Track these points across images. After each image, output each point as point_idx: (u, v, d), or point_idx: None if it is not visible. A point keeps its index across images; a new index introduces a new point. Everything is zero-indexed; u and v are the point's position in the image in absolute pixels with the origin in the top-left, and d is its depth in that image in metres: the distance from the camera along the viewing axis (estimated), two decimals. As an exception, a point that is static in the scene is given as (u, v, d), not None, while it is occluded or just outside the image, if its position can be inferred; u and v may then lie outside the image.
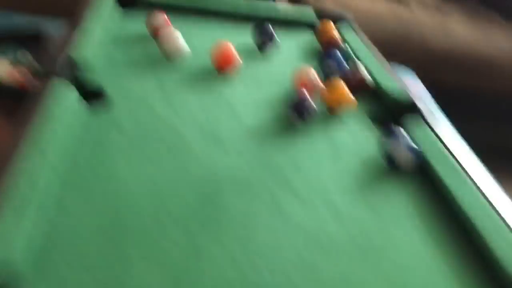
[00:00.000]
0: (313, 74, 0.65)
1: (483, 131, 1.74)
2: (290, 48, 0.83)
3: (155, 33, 0.74)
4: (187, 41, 0.72)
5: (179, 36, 0.71)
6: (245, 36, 0.83)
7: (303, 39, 0.87)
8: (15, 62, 0.74)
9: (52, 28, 0.93)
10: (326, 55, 0.72)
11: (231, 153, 0.54)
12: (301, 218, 0.46)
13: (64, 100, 0.52)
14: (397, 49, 1.85)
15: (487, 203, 0.48)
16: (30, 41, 0.87)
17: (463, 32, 1.92)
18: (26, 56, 0.74)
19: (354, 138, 0.60)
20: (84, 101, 0.56)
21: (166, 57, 0.71)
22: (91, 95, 0.58)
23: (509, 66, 1.90)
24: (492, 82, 1.93)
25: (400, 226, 0.47)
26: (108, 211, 0.43)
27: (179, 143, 0.54)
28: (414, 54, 1.86)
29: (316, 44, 0.85)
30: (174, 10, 0.85)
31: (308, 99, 0.59)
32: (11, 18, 0.98)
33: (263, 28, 0.78)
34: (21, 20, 0.98)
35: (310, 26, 0.92)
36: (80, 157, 0.48)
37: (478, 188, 0.50)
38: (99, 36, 0.68)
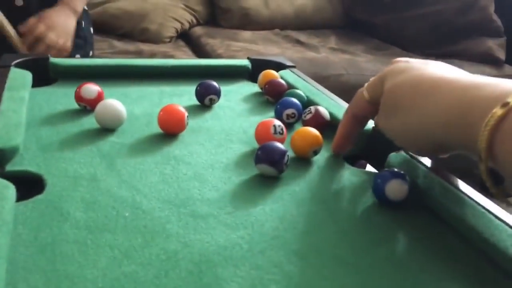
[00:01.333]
0: (280, 125, 0.59)
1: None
2: (234, 100, 0.78)
3: (90, 105, 0.65)
4: (128, 109, 0.64)
5: (115, 103, 0.62)
6: (186, 95, 0.77)
7: (244, 91, 0.82)
8: None
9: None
10: (283, 104, 0.67)
11: (215, 228, 0.45)
12: (321, 289, 0.39)
13: (2, 201, 0.41)
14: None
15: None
16: None
17: (372, 68, 2.00)
18: None
19: (335, 180, 0.55)
20: (21, 196, 0.45)
21: (106, 127, 0.62)
22: (28, 186, 0.47)
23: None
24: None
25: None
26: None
27: (152, 226, 0.44)
28: (332, 92, 1.91)
29: (259, 94, 0.81)
30: (99, 77, 0.77)
31: (283, 149, 0.53)
32: None
33: (208, 85, 0.72)
34: None
35: (246, 75, 0.88)
36: (33, 268, 0.37)
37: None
38: (23, 118, 0.58)
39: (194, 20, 2.29)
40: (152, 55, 1.91)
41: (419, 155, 0.55)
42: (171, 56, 1.91)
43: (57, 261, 0.38)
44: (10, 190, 0.43)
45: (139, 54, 1.89)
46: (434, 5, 2.15)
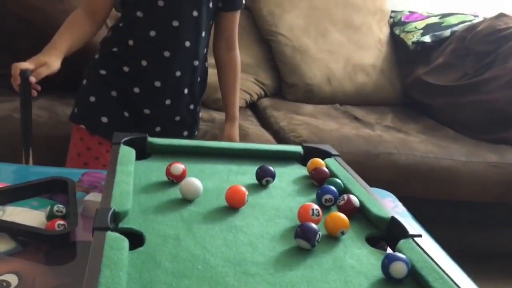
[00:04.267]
0: (317, 209, 0.77)
1: (451, 237, 1.87)
2: (286, 182, 0.97)
3: (176, 180, 0.87)
4: (203, 183, 0.84)
5: (196, 182, 0.83)
6: (248, 174, 0.97)
7: (295, 173, 1.01)
8: (51, 216, 0.84)
9: (71, 174, 1.04)
10: (323, 190, 0.86)
11: (260, 284, 0.63)
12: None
13: (120, 250, 0.62)
14: (366, 166, 2.04)
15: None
16: (55, 188, 0.97)
17: (423, 148, 2.14)
18: (61, 209, 0.84)
19: (355, 256, 0.71)
20: (130, 247, 0.66)
21: (187, 198, 0.83)
22: (135, 241, 0.68)
23: (466, 175, 2.09)
24: (453, 192, 2.12)
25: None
26: None
27: (216, 278, 0.63)
28: (382, 170, 2.05)
29: (306, 177, 0.99)
30: (182, 154, 0.99)
31: (317, 229, 0.71)
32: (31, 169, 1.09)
33: (266, 169, 0.92)
34: (40, 170, 1.10)
35: (299, 159, 1.07)
36: (139, 297, 0.57)
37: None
38: (131, 188, 0.80)
39: (262, 93, 2.54)
40: (222, 123, 2.16)
41: None
42: (239, 125, 2.15)
43: (153, 295, 0.58)
44: (126, 243, 0.64)
45: (212, 121, 2.14)
46: (488, 94, 2.28)
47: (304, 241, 0.71)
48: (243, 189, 0.83)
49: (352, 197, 0.84)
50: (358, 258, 0.72)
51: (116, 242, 0.63)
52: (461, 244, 1.93)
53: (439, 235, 0.92)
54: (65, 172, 1.07)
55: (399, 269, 0.65)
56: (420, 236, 0.74)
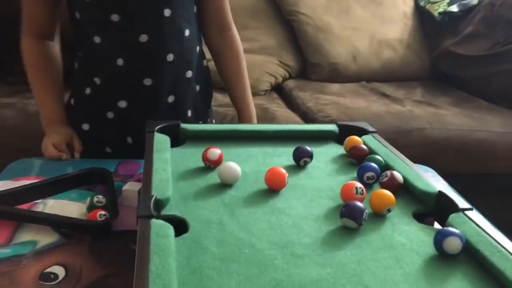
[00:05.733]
0: (361, 187, 0.75)
1: (488, 211, 1.82)
2: (324, 161, 0.94)
3: (213, 165, 0.86)
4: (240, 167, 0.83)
5: (235, 166, 0.82)
6: (284, 156, 0.95)
7: (332, 152, 0.99)
8: (92, 206, 0.84)
9: (106, 166, 1.04)
10: (364, 168, 0.83)
11: (309, 265, 0.62)
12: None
13: (166, 237, 0.61)
14: (398, 143, 2.00)
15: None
16: (93, 180, 0.97)
17: (456, 121, 2.08)
18: (100, 200, 0.84)
19: (404, 233, 0.69)
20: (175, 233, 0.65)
21: (226, 183, 0.81)
22: (179, 227, 0.67)
23: (503, 147, 2.03)
24: (489, 164, 2.06)
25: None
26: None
27: (264, 261, 0.62)
28: (415, 146, 2.01)
29: (344, 156, 0.97)
30: (216, 139, 0.98)
31: (363, 208, 0.69)
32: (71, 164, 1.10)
33: (303, 149, 0.90)
34: (79, 163, 1.10)
35: (334, 138, 1.05)
36: (190, 285, 0.56)
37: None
38: (170, 175, 0.79)
39: (287, 74, 2.51)
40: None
41: None
42: (265, 109, 2.12)
43: (204, 281, 0.57)
44: (171, 230, 0.63)
45: (230, 105, 2.12)
46: (521, 61, 2.20)
47: (351, 220, 0.69)
48: (283, 170, 0.81)
49: (396, 173, 0.81)
50: (407, 235, 0.69)
51: (162, 229, 0.62)
52: (499, 218, 1.88)
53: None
54: (99, 163, 1.07)
55: (453, 244, 0.63)
56: (471, 209, 0.72)
